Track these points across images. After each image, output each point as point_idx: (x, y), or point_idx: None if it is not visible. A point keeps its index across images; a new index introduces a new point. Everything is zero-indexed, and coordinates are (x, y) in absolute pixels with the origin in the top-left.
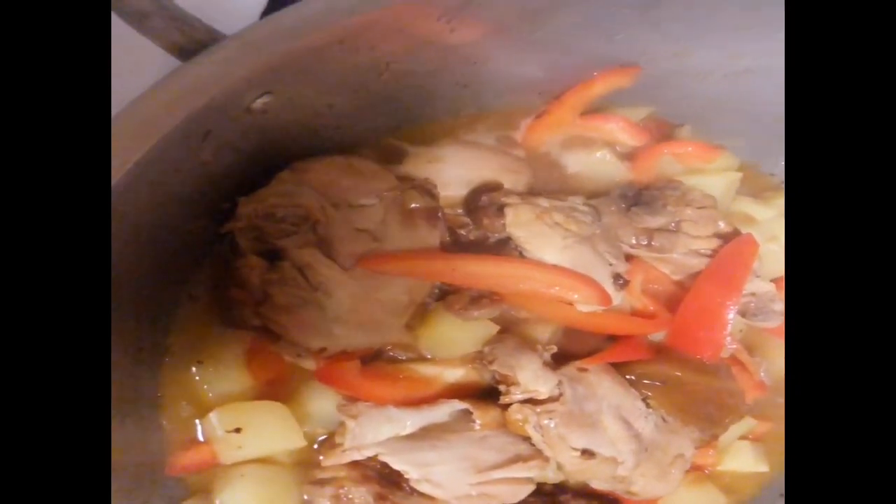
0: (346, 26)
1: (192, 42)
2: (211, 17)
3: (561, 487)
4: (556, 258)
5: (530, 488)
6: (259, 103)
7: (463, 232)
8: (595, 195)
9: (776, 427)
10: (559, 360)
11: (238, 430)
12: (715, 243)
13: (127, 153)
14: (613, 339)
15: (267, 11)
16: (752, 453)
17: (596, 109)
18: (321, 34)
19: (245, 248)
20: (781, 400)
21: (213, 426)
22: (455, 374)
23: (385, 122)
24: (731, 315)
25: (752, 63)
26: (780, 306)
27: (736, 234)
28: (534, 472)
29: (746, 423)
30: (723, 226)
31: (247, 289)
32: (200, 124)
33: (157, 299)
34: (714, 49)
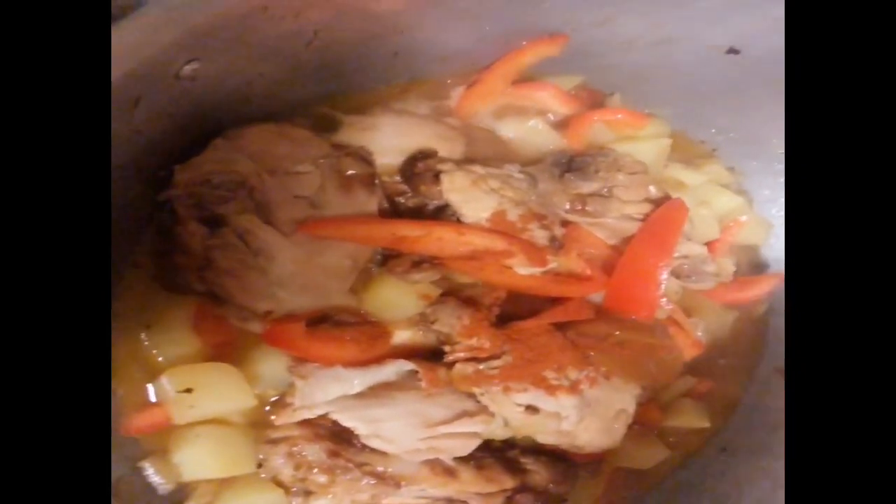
0: None
1: (114, 7)
2: None
3: (510, 443)
4: None
5: (477, 442)
6: (188, 70)
7: (401, 199)
8: (530, 163)
9: (717, 385)
10: (502, 321)
11: (189, 391)
12: (647, 208)
13: None
14: (554, 301)
15: None
16: (694, 410)
17: (528, 78)
18: (244, 1)
19: (184, 214)
20: (721, 359)
21: (164, 388)
22: (402, 336)
23: (317, 91)
24: (664, 276)
25: (674, 32)
26: (712, 267)
27: (667, 198)
28: (479, 426)
29: (687, 381)
30: (654, 191)
31: (189, 254)
32: (130, 91)
33: None
34: (637, 18)
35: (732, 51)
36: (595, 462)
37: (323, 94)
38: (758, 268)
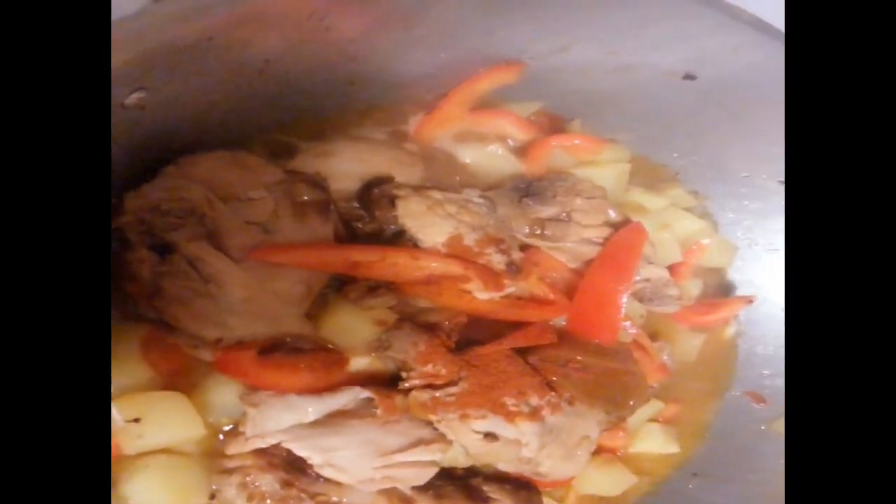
0: (211, 24)
1: None
2: None
3: (472, 471)
4: None
5: (433, 470)
6: (133, 98)
7: (359, 224)
8: (490, 187)
9: (685, 409)
10: (463, 346)
11: (137, 420)
12: (606, 232)
13: None
14: (516, 325)
15: None
16: (662, 435)
17: (487, 104)
18: (186, 31)
19: (134, 241)
20: (689, 383)
21: (113, 417)
22: (360, 363)
23: (273, 118)
24: (624, 299)
25: (630, 59)
26: (674, 291)
27: (627, 222)
28: (436, 455)
29: (654, 406)
30: (613, 215)
31: (138, 282)
32: None
33: None
34: (593, 46)
35: (689, 76)
36: (560, 489)
37: (279, 121)
38: (725, 290)
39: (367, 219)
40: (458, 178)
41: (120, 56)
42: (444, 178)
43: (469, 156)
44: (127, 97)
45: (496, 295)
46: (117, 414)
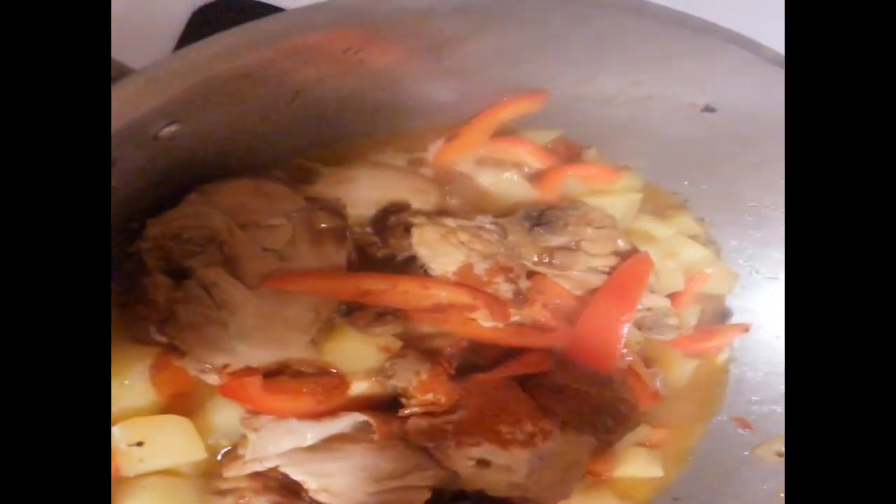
0: (252, 61)
1: None
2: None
3: (461, 494)
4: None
5: (426, 496)
6: (166, 132)
7: (371, 250)
8: (504, 213)
9: (672, 434)
10: (464, 372)
11: (140, 444)
12: (613, 261)
13: None
14: (516, 351)
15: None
16: (647, 458)
17: (507, 131)
18: (227, 69)
19: (152, 266)
20: (678, 407)
21: (115, 440)
22: (360, 387)
23: (297, 145)
24: (625, 329)
25: (652, 90)
26: (673, 321)
27: (634, 251)
28: (429, 481)
29: (641, 431)
30: (622, 244)
31: (152, 306)
32: None
33: None
34: (617, 77)
35: (708, 109)
36: None
37: (302, 147)
38: (721, 316)
39: (380, 245)
40: (472, 202)
41: (160, 94)
42: (459, 199)
43: (487, 182)
44: (161, 130)
45: (501, 324)
46: (120, 437)
